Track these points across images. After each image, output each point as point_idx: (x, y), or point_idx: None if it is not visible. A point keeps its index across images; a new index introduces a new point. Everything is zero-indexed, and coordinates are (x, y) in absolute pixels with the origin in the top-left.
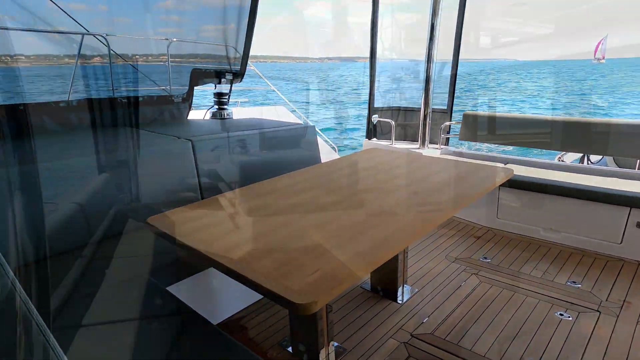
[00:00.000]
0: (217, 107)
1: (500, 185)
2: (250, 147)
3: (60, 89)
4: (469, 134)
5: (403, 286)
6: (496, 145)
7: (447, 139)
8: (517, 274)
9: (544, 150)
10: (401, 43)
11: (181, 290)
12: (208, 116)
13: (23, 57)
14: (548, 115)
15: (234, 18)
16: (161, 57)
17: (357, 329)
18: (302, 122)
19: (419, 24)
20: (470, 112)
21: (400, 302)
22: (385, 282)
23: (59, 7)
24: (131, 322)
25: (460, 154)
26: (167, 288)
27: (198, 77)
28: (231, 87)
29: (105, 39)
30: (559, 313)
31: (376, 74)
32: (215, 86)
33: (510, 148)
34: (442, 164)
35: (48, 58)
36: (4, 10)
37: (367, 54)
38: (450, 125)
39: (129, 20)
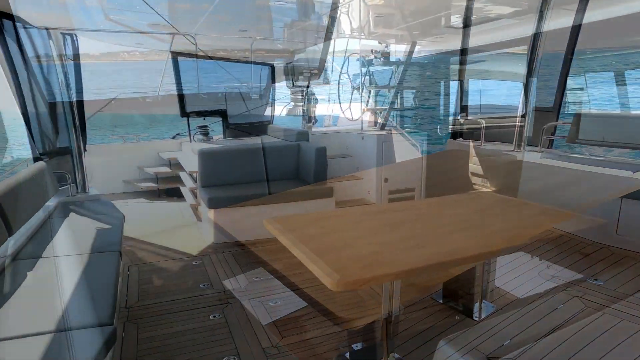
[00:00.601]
0: (292, 104)
1: (623, 197)
2: (320, 144)
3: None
4: (582, 136)
5: (481, 302)
6: (625, 150)
7: (551, 141)
8: None
9: None
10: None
11: (234, 285)
12: (285, 112)
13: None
14: None
15: (315, 16)
16: (245, 55)
17: (423, 342)
18: (379, 120)
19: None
20: (585, 112)
21: (476, 318)
22: (460, 295)
23: (152, 7)
24: (184, 312)
25: (569, 159)
26: (223, 282)
27: (277, 74)
28: (309, 84)
29: (193, 38)
30: None
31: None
32: (294, 83)
33: None
34: (543, 169)
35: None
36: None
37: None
38: (556, 126)
39: (224, 19)
